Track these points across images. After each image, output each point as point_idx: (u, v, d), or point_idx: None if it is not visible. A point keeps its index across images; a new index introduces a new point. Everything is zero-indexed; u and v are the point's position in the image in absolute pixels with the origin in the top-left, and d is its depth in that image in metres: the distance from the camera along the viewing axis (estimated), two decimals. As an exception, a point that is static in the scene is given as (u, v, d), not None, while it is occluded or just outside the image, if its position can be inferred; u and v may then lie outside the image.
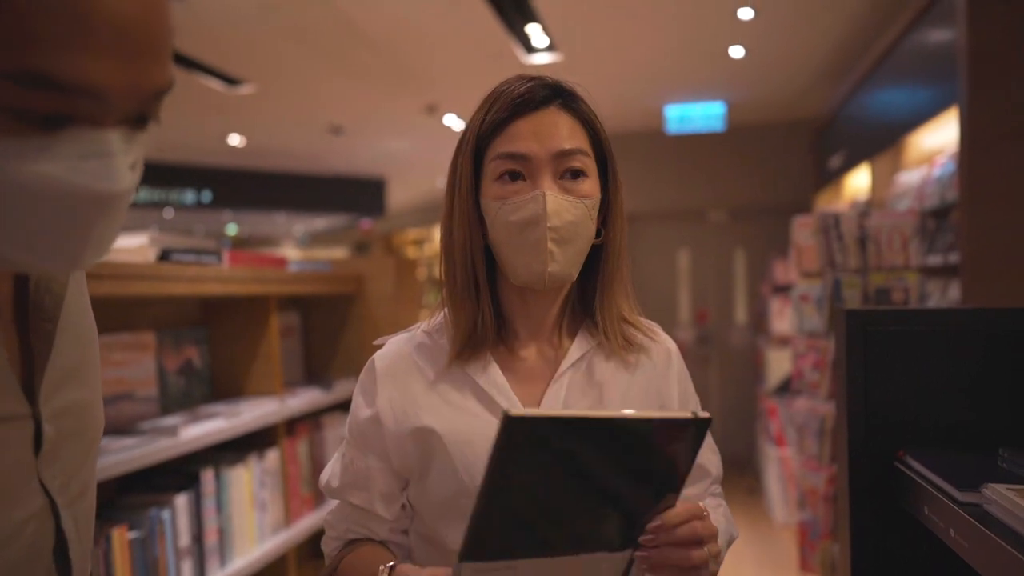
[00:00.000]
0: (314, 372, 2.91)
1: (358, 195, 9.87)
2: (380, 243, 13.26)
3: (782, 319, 5.07)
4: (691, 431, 0.67)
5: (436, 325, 0.97)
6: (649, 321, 1.02)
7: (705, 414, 0.68)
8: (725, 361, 6.39)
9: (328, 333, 2.93)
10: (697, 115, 6.09)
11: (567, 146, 0.87)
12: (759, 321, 5.81)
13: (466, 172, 0.90)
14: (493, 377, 0.91)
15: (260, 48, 4.58)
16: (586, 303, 0.97)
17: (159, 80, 0.52)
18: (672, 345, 1.01)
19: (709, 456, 1.00)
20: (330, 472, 0.98)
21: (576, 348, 0.93)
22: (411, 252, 13.02)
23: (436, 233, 10.82)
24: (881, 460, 1.05)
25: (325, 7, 3.98)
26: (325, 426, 2.66)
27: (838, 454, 1.13)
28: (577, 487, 0.65)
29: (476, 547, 0.63)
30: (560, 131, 0.87)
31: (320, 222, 12.69)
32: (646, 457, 0.67)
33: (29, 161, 0.48)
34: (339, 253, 13.64)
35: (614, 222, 0.93)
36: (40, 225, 0.51)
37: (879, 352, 1.07)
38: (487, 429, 0.85)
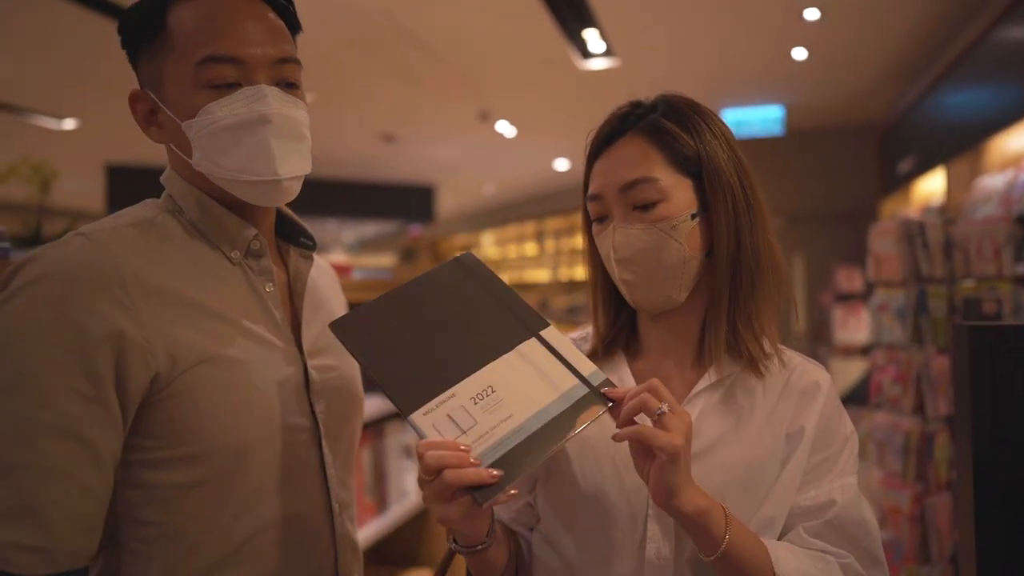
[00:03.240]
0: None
1: (408, 202, 9.97)
2: (427, 249, 13.36)
3: (846, 328, 4.90)
4: (459, 265, 0.87)
5: (583, 336, 0.98)
6: (810, 359, 0.94)
7: (462, 255, 0.88)
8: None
9: (389, 341, 2.93)
10: (755, 119, 5.96)
11: (631, 177, 0.86)
12: (820, 330, 5.64)
13: (583, 207, 0.93)
14: (626, 387, 0.88)
15: (320, 59, 4.64)
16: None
17: (277, 52, 0.88)
18: (823, 377, 0.91)
19: (837, 494, 0.85)
20: None
21: (712, 373, 0.88)
22: (458, 258, 13.06)
23: (484, 239, 10.82)
24: (1013, 489, 0.97)
25: (385, 16, 4.02)
26: (387, 434, 2.65)
27: (961, 483, 1.05)
28: (438, 326, 0.81)
29: (406, 401, 0.74)
30: (625, 163, 0.87)
31: (370, 228, 12.85)
32: (450, 297, 0.84)
33: (227, 108, 0.85)
34: (386, 260, 13.79)
35: (719, 235, 0.87)
36: (242, 148, 0.85)
37: (1008, 372, 1.00)
38: (608, 435, 0.83)
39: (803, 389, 0.89)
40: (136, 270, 0.80)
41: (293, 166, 0.87)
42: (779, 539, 0.84)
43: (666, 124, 0.87)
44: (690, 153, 0.86)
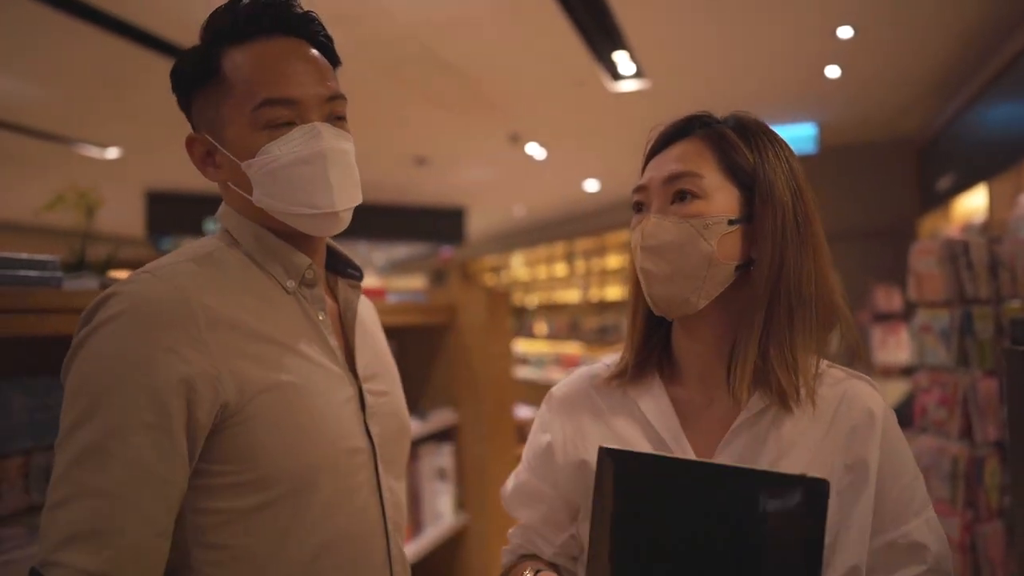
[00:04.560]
0: (409, 402, 2.90)
1: (439, 224, 10.04)
2: (457, 271, 13.42)
3: (885, 348, 4.79)
4: (799, 493, 0.64)
5: (618, 358, 0.97)
6: (858, 374, 0.91)
7: (819, 475, 0.66)
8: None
9: (422, 363, 2.94)
10: (787, 137, 5.83)
11: (671, 171, 0.86)
12: (857, 350, 5.52)
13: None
14: (665, 415, 0.87)
15: (352, 85, 4.71)
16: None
17: (327, 91, 0.94)
18: (877, 404, 0.86)
19: (925, 533, 0.83)
20: (511, 483, 1.02)
21: (755, 401, 0.85)
22: (488, 279, 13.12)
23: (513, 260, 10.80)
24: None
25: (416, 43, 4.08)
26: (421, 456, 2.65)
27: (1016, 509, 1.01)
28: (689, 533, 0.65)
29: None
30: (677, 158, 0.87)
31: (401, 250, 12.96)
32: (753, 516, 0.65)
33: (285, 147, 0.89)
34: (417, 282, 13.88)
35: (763, 251, 0.84)
36: (301, 183, 0.90)
37: (1065, 397, 0.96)
38: None
39: (856, 418, 0.85)
40: (202, 302, 0.84)
41: (348, 197, 0.93)
42: None
43: (729, 134, 0.88)
44: (745, 165, 0.86)
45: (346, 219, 0.94)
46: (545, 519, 0.96)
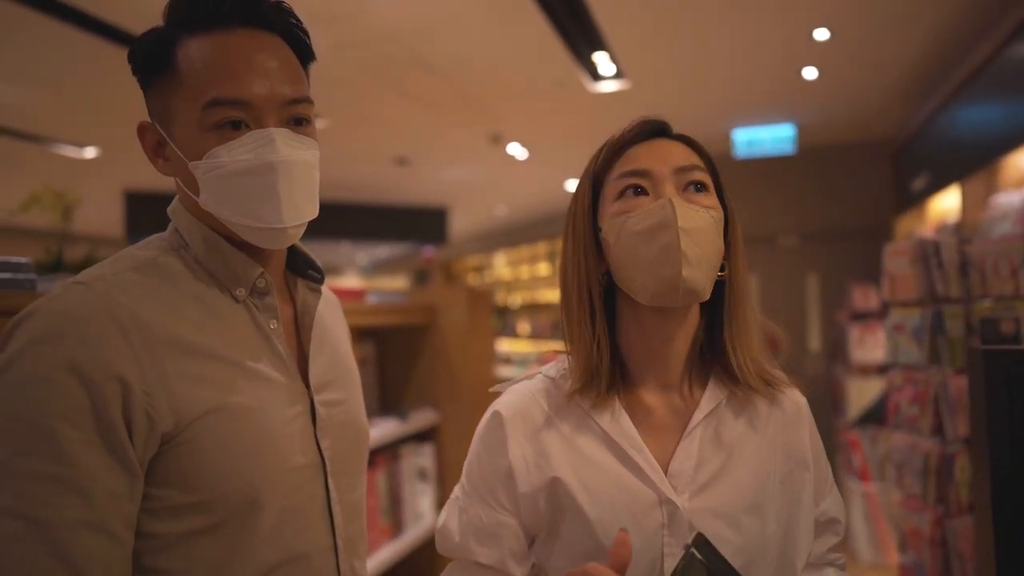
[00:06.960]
0: (389, 403, 2.92)
1: (421, 224, 10.02)
2: (440, 271, 13.39)
3: (863, 347, 4.85)
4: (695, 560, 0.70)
5: (560, 371, 0.93)
6: (777, 371, 0.96)
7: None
8: (799, 391, 6.14)
9: (403, 364, 2.94)
10: (766, 138, 5.96)
11: (685, 162, 0.87)
12: (836, 349, 5.59)
13: (583, 195, 0.90)
14: (624, 428, 0.88)
15: (334, 85, 4.71)
16: (715, 347, 0.91)
17: (288, 93, 0.85)
18: (800, 399, 0.97)
19: (837, 508, 0.97)
20: (453, 528, 0.92)
21: (708, 399, 0.88)
22: (471, 279, 13.11)
23: (496, 260, 10.77)
24: (1032, 513, 0.96)
25: (397, 43, 4.08)
26: (402, 457, 2.66)
27: (979, 506, 1.04)
28: None
29: None
30: (677, 151, 0.89)
31: (383, 250, 12.91)
32: None
33: (234, 153, 0.83)
34: (399, 282, 13.83)
35: (735, 250, 0.90)
36: (248, 194, 0.83)
37: (1024, 395, 0.99)
38: (621, 483, 0.85)
39: (789, 412, 0.94)
40: (138, 317, 0.79)
41: (299, 212, 0.86)
42: None
43: (696, 142, 0.92)
44: (712, 172, 0.91)
45: (295, 234, 0.88)
46: (512, 553, 0.88)
